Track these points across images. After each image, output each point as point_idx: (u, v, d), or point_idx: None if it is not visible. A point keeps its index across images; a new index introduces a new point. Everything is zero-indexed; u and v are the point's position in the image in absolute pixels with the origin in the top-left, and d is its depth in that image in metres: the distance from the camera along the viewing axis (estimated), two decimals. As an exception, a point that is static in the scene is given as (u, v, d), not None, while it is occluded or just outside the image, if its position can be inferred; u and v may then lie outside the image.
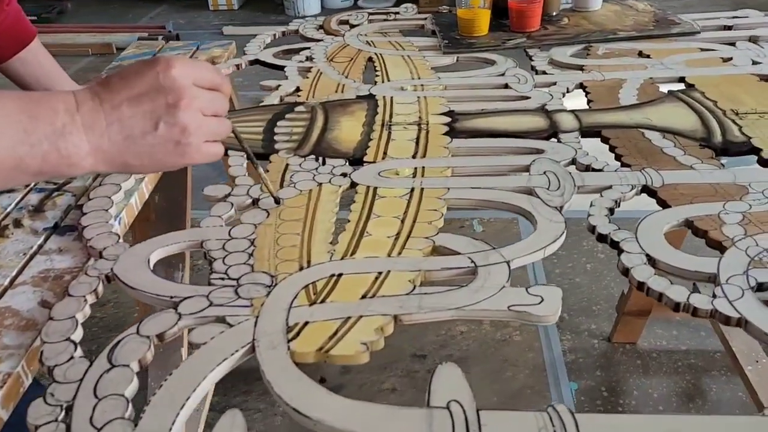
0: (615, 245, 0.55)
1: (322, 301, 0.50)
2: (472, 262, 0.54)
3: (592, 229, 0.58)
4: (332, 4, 3.79)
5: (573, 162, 0.69)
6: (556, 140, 0.74)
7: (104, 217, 0.61)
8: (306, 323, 0.47)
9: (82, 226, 0.59)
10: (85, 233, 0.58)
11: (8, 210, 0.64)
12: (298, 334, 0.46)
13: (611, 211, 0.60)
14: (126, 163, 0.51)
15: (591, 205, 0.61)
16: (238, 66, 0.99)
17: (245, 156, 0.66)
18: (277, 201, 0.62)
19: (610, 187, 0.63)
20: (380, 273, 0.52)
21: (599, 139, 0.74)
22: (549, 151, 0.70)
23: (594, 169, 0.67)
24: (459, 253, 0.55)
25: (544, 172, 0.66)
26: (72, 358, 0.45)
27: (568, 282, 1.60)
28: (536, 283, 1.61)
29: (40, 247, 0.59)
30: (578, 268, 1.65)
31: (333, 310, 0.48)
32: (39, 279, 0.54)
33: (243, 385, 1.32)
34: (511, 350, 1.41)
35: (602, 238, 0.57)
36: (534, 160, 0.68)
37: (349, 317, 0.48)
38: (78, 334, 0.48)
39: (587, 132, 0.75)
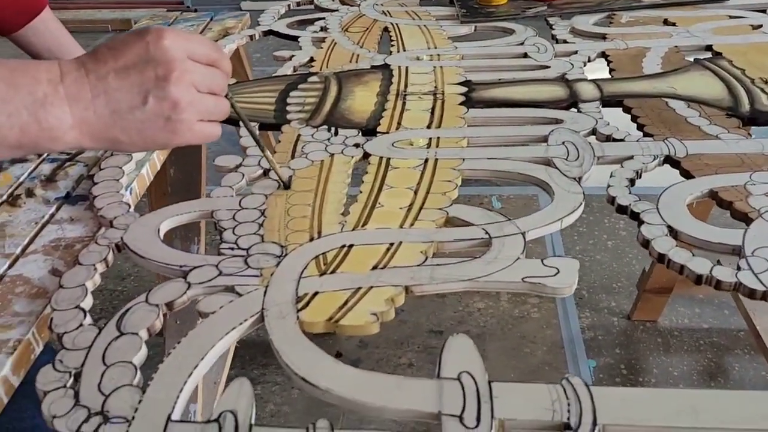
0: (635, 216, 0.54)
1: (333, 272, 0.49)
2: (486, 233, 0.52)
3: (612, 200, 0.56)
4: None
5: (593, 132, 0.67)
6: (575, 110, 0.72)
7: (115, 187, 0.60)
8: (316, 293, 0.47)
9: (93, 195, 0.59)
10: (96, 202, 0.58)
11: (21, 179, 0.64)
12: (307, 304, 0.46)
13: (632, 182, 0.58)
14: (114, 138, 0.48)
15: (611, 176, 0.59)
16: (251, 37, 0.97)
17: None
18: (287, 186, 0.59)
19: (632, 157, 0.61)
20: (392, 244, 0.51)
21: (621, 108, 0.72)
22: (568, 121, 0.68)
23: (615, 140, 0.65)
24: (473, 224, 0.54)
25: (563, 143, 0.64)
26: (81, 325, 0.45)
27: (589, 259, 1.58)
28: (555, 259, 1.59)
29: (52, 216, 0.58)
30: (599, 245, 1.62)
31: (343, 281, 0.48)
32: (50, 248, 0.54)
33: (261, 357, 1.33)
34: (529, 327, 1.40)
35: (622, 209, 0.55)
36: (552, 130, 0.66)
37: (359, 288, 0.47)
38: (87, 302, 0.47)
39: (609, 101, 0.73)
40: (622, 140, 0.65)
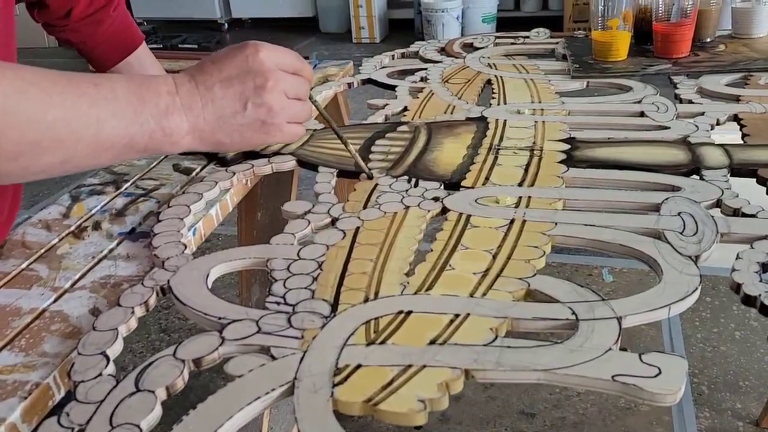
0: (767, 311, 0.43)
1: (383, 342, 0.42)
2: (573, 313, 0.43)
3: (737, 288, 0.45)
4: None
5: (717, 204, 0.56)
6: (697, 178, 0.61)
7: (177, 226, 0.57)
8: (358, 366, 0.40)
9: (153, 233, 0.56)
10: (154, 241, 0.55)
11: (92, 212, 0.63)
12: (346, 378, 0.39)
13: (764, 267, 0.47)
14: (218, 141, 0.55)
15: (737, 258, 0.48)
16: (350, 84, 0.95)
17: (335, 136, 0.67)
18: (371, 176, 0.64)
19: (765, 237, 0.50)
20: (457, 315, 0.44)
21: (755, 179, 0.61)
22: (687, 189, 0.58)
23: (745, 215, 0.54)
24: (558, 302, 0.45)
25: (679, 213, 0.54)
26: (100, 375, 0.41)
27: (712, 350, 1.39)
28: (672, 348, 1.41)
29: (111, 251, 0.56)
30: (725, 335, 1.43)
31: (393, 354, 0.41)
32: (98, 284, 0.51)
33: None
34: (635, 421, 1.23)
35: (749, 300, 0.44)
36: (667, 198, 0.57)
37: (409, 365, 0.40)
38: (115, 349, 0.43)
39: (739, 170, 0.62)
40: (753, 216, 0.54)
